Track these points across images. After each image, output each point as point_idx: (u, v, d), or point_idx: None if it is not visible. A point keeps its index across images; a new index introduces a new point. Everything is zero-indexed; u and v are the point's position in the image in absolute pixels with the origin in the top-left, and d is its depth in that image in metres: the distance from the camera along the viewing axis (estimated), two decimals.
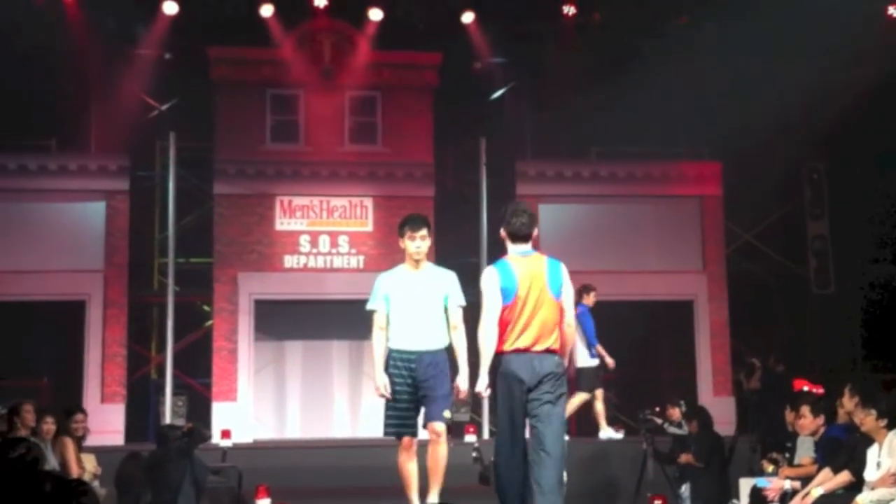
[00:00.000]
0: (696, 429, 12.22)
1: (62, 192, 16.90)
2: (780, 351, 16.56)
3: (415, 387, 8.00)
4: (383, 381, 8.04)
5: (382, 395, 8.05)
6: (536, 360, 6.99)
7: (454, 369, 8.13)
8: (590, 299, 13.92)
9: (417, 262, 8.11)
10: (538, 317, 7.02)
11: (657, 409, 12.81)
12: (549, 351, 7.05)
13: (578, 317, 12.48)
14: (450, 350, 8.15)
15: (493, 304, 7.08)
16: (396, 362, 8.05)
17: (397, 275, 8.23)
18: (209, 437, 12.23)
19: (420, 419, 8.13)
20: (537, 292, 7.05)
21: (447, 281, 8.15)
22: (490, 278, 7.16)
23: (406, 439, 8.06)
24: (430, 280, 8.13)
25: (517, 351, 7.00)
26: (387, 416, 8.17)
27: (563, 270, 7.23)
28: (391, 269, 8.35)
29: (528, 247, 7.26)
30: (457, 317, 8.10)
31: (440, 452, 7.99)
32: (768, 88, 16.41)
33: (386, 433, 8.24)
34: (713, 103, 16.72)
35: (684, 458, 11.97)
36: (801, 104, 16.36)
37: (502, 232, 7.38)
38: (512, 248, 7.29)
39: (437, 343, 8.08)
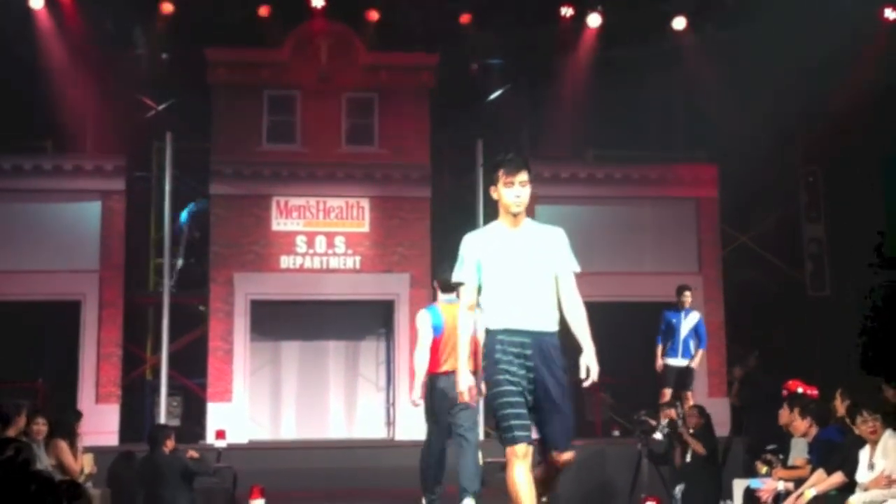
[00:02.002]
0: (698, 425, 12.16)
1: (58, 192, 16.84)
2: (764, 353, 16.48)
3: (529, 381, 6.14)
4: (468, 382, 6.29)
5: (466, 402, 6.33)
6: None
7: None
8: (681, 300, 13.96)
9: (516, 216, 6.33)
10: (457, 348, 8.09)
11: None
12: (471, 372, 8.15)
13: (664, 315, 13.93)
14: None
15: (426, 336, 8.97)
16: (505, 346, 6.16)
17: (491, 235, 6.41)
18: (211, 473, 12.16)
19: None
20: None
21: (556, 240, 6.41)
22: (424, 318, 9.09)
23: (523, 447, 6.04)
24: (535, 239, 6.37)
25: (445, 373, 8.76)
26: (503, 417, 6.09)
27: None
28: (481, 229, 6.65)
29: (453, 296, 8.62)
30: (570, 285, 6.35)
31: (555, 483, 6.40)
32: (765, 91, 16.41)
33: (507, 440, 6.05)
34: (710, 106, 16.73)
35: (695, 445, 11.82)
36: (798, 107, 16.38)
37: (435, 283, 9.37)
38: (441, 295, 9.16)
39: (552, 323, 6.28)
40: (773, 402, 12.23)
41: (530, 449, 6.04)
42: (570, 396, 6.20)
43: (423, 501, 9.17)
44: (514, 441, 5.99)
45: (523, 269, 6.24)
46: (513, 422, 6.01)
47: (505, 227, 6.37)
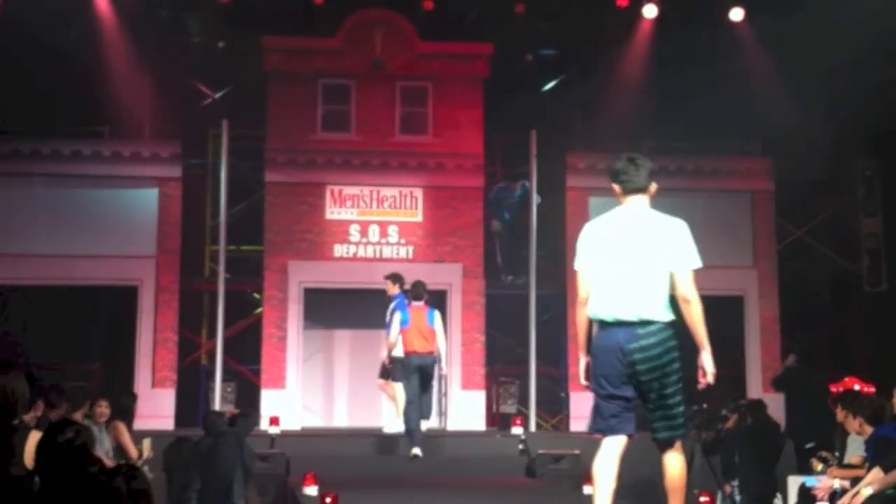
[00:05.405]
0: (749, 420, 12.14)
1: (115, 178, 17.00)
2: (819, 349, 16.29)
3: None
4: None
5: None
6: (424, 357, 12.93)
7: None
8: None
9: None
10: (421, 336, 12.97)
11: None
12: (429, 352, 12.98)
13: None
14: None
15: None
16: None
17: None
18: (258, 420, 12.38)
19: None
20: (420, 323, 13.04)
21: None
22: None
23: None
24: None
25: (413, 352, 12.95)
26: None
27: (436, 314, 13.31)
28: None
29: (421, 302, 13.20)
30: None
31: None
32: (822, 83, 16.23)
33: (592, 430, 6.54)
34: (766, 98, 16.56)
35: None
36: (856, 99, 16.17)
37: (409, 294, 13.41)
38: (413, 302, 13.22)
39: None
40: (820, 398, 12.16)
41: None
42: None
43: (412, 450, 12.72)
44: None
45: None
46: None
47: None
